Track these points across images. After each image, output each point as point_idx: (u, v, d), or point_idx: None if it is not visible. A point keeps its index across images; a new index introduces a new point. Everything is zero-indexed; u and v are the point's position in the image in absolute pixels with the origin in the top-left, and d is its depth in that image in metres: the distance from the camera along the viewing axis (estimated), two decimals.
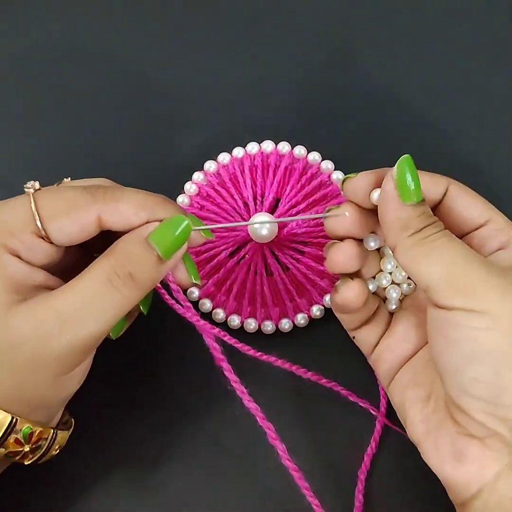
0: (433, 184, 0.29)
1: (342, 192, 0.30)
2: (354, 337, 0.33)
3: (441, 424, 0.28)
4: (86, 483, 0.34)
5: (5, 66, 0.43)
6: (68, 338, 0.25)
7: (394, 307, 0.33)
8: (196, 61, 0.43)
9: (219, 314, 0.36)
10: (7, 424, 0.25)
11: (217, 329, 0.30)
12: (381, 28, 0.44)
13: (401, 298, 0.33)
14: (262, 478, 0.34)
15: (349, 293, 0.30)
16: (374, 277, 0.32)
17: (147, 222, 0.27)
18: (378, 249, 0.32)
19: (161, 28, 0.44)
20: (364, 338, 0.32)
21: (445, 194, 0.29)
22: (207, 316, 0.36)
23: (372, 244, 0.31)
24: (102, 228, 0.27)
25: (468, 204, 0.29)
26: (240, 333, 0.36)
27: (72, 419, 0.31)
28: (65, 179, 0.31)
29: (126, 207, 0.27)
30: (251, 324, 0.36)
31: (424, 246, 0.26)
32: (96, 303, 0.26)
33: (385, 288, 0.33)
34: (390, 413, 0.33)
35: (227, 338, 0.30)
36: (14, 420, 0.25)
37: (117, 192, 0.27)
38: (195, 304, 0.36)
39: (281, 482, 0.31)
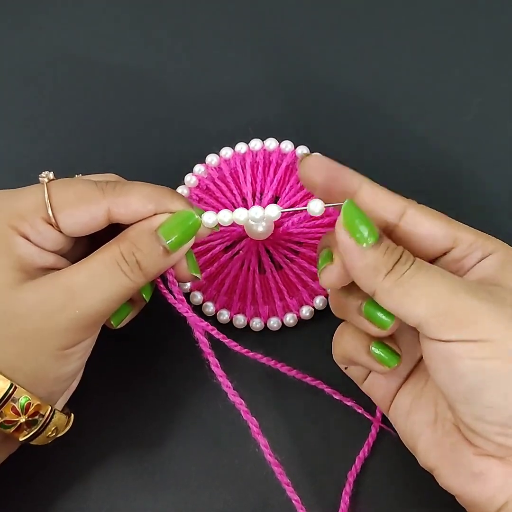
0: (389, 202, 0.28)
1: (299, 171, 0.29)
2: (346, 368, 0.32)
3: (455, 447, 0.27)
4: (84, 478, 0.34)
5: (13, 70, 0.44)
6: (77, 312, 0.27)
7: None
8: (202, 60, 0.43)
9: (209, 307, 0.36)
10: (5, 390, 0.26)
11: (205, 323, 0.30)
12: (385, 29, 0.44)
13: None
14: (259, 472, 0.33)
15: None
16: None
17: (155, 214, 0.28)
18: None
19: (165, 27, 0.44)
20: (357, 368, 0.31)
21: (402, 216, 0.28)
22: (197, 309, 0.36)
23: None
24: (111, 221, 0.29)
25: (429, 226, 0.28)
26: (229, 328, 0.36)
27: (72, 414, 0.31)
28: (76, 175, 0.31)
29: (135, 200, 0.28)
30: (240, 320, 0.36)
31: (403, 286, 0.25)
32: (102, 281, 0.27)
33: None
34: (385, 416, 0.33)
35: (215, 333, 0.31)
36: (13, 387, 0.26)
37: (126, 186, 0.29)
38: (187, 295, 0.36)
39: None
